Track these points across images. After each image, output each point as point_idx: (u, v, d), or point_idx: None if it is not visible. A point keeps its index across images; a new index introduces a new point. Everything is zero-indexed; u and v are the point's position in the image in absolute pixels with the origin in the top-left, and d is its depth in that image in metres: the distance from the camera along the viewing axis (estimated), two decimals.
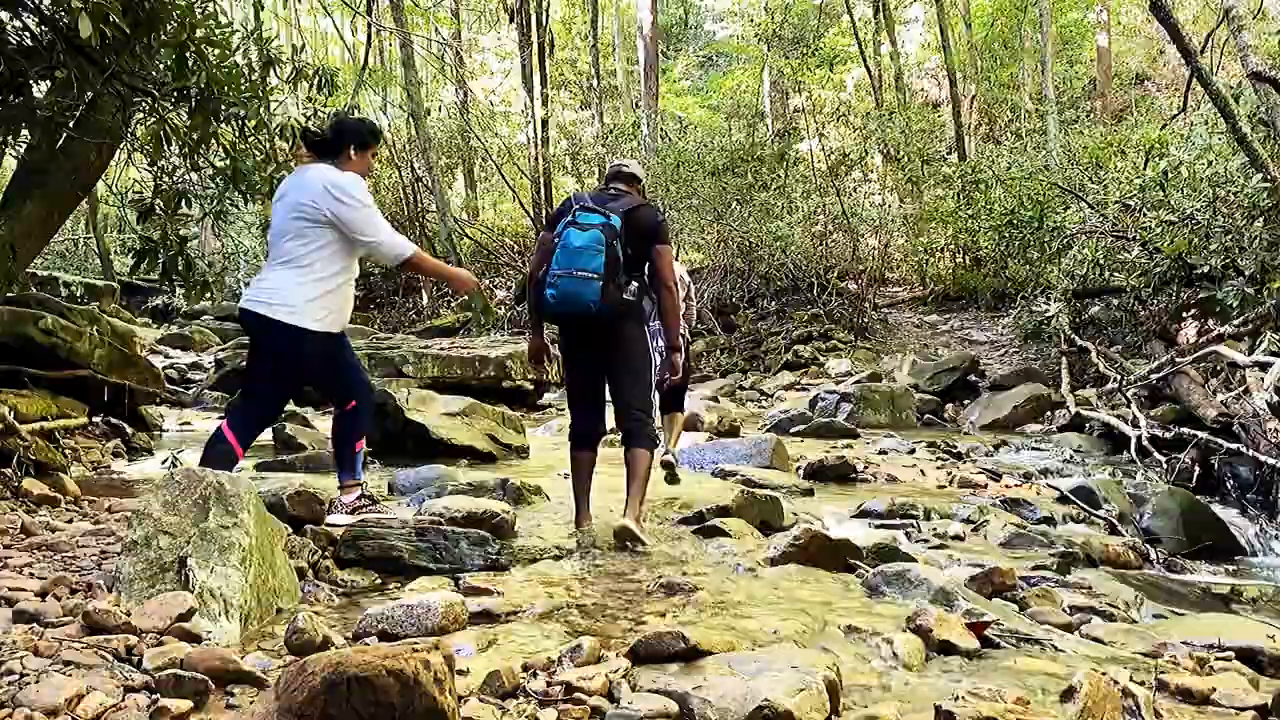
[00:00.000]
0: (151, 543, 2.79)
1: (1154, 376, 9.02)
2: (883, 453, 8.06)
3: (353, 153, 3.93)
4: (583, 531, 4.16)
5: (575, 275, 3.97)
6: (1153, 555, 4.95)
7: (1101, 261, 11.94)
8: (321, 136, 3.97)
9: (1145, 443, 7.65)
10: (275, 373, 3.88)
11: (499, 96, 26.65)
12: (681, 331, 4.77)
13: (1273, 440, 6.49)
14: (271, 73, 5.26)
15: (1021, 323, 13.63)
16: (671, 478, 5.36)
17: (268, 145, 5.28)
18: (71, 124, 4.39)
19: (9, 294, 5.68)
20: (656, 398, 4.55)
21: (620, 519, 4.06)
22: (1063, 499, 6.00)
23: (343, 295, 3.92)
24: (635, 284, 4.16)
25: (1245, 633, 3.21)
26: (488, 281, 20.31)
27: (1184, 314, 10.86)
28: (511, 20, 23.68)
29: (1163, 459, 7.26)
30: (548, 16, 23.12)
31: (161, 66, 4.47)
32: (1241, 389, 7.53)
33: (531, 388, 11.37)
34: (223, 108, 4.63)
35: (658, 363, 4.55)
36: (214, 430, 3.88)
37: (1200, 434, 7.20)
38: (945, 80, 22.12)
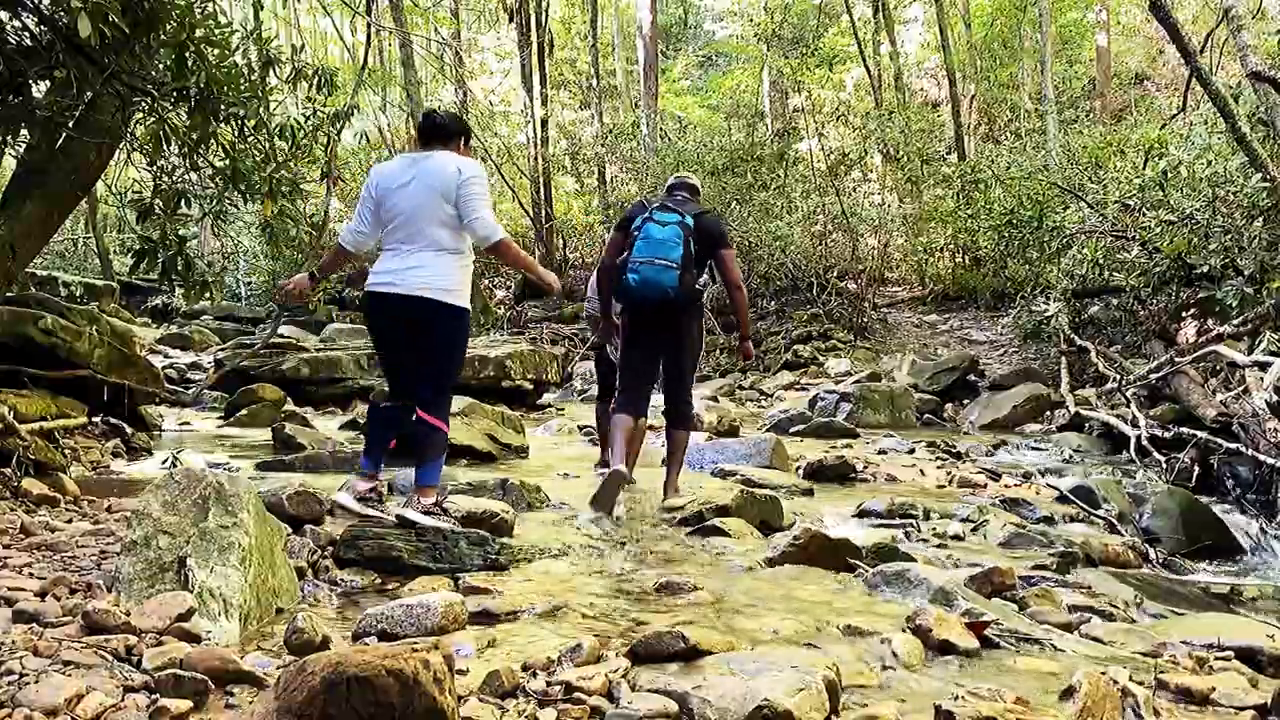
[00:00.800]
0: (151, 543, 2.79)
1: (1153, 376, 9.02)
2: (882, 452, 8.06)
3: (463, 144, 4.13)
4: (609, 472, 4.66)
5: (657, 263, 4.55)
6: (1152, 555, 4.95)
7: (1101, 261, 11.94)
8: (444, 122, 4.09)
9: (1145, 442, 7.65)
10: (431, 346, 3.95)
11: (498, 96, 26.64)
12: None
13: (1272, 440, 6.49)
14: (271, 72, 5.26)
15: (1021, 322, 13.63)
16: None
17: (267, 145, 5.28)
18: (71, 124, 4.39)
19: (9, 294, 5.68)
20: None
21: (669, 498, 4.83)
22: (1062, 499, 6.00)
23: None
24: (705, 277, 4.78)
25: (1245, 632, 3.21)
26: (487, 281, 20.31)
27: (1183, 314, 10.86)
28: (511, 20, 23.67)
29: (1162, 459, 7.26)
30: (547, 16, 23.12)
31: (161, 66, 4.47)
32: (1241, 389, 7.53)
33: (531, 388, 11.36)
34: (222, 107, 4.63)
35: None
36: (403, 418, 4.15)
37: (1200, 434, 7.19)
38: (945, 80, 22.13)
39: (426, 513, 3.82)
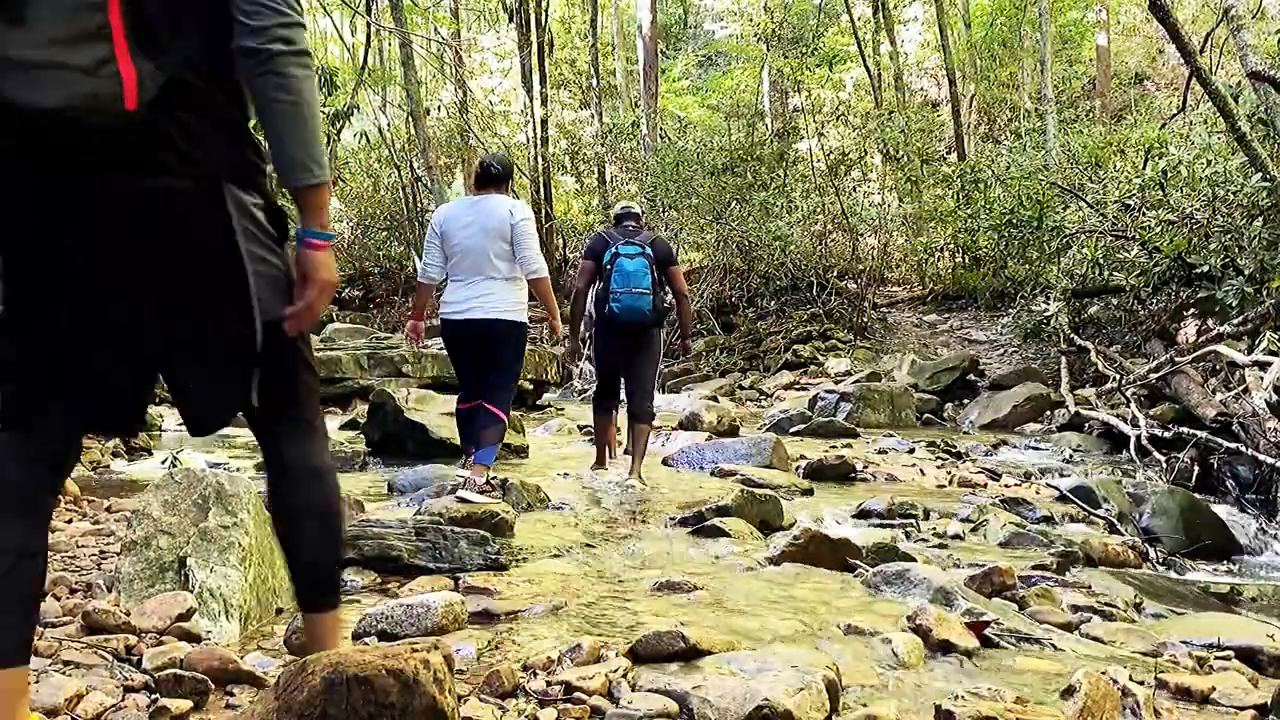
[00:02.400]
0: (151, 542, 2.79)
1: (1153, 376, 9.02)
2: (882, 452, 8.06)
3: (510, 186, 5.05)
4: (597, 473, 5.83)
5: (634, 292, 5.43)
6: (1152, 554, 4.95)
7: (1101, 261, 11.94)
8: (498, 171, 4.92)
9: (1144, 442, 7.64)
10: (504, 355, 4.86)
11: (498, 96, 26.64)
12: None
13: (1272, 439, 6.50)
14: None
15: (1021, 322, 13.63)
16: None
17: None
18: None
19: None
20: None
21: (630, 479, 5.53)
22: (1062, 498, 6.00)
23: None
24: (669, 295, 5.70)
25: (1245, 632, 3.21)
26: None
27: (1183, 313, 10.86)
28: (511, 20, 23.67)
29: (1162, 458, 7.26)
30: (547, 16, 23.12)
31: None
32: (1241, 388, 7.53)
33: (531, 388, 11.37)
34: None
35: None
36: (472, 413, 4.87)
37: (1200, 433, 7.20)
38: (944, 80, 22.13)
39: (481, 491, 4.41)
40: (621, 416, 6.27)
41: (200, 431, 1.79)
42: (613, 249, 5.52)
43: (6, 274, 1.53)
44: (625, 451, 6.31)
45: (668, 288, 5.72)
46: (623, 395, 5.95)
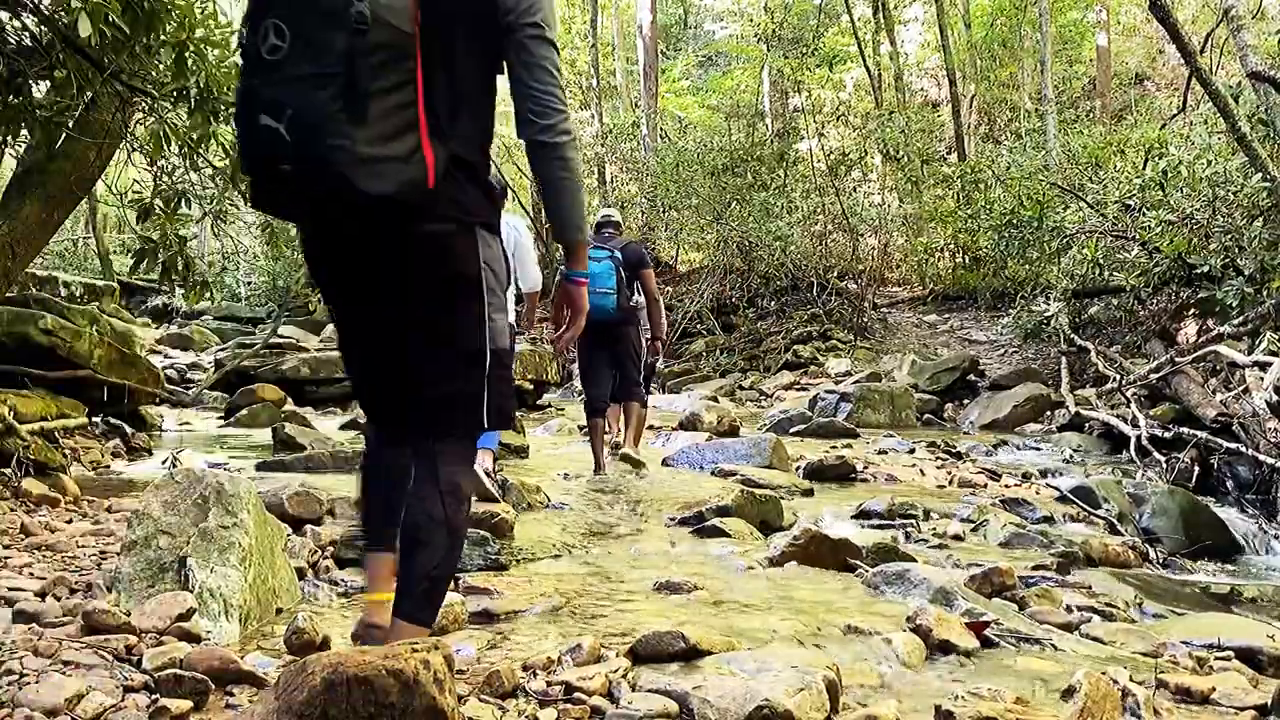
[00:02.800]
0: (151, 543, 2.79)
1: (1153, 376, 9.02)
2: (882, 452, 8.06)
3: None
4: (599, 478, 5.94)
5: (597, 291, 5.75)
6: (1152, 555, 4.95)
7: (1101, 261, 11.93)
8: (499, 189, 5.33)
9: (1145, 442, 7.64)
10: None
11: (498, 96, 26.61)
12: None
13: (1272, 440, 6.50)
14: None
15: (1021, 322, 13.63)
16: (633, 462, 6.14)
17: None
18: (71, 124, 4.39)
19: (9, 294, 5.68)
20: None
21: (624, 449, 6.16)
22: (1062, 499, 6.00)
23: None
24: (638, 296, 6.26)
25: (1245, 632, 3.21)
26: None
27: (1183, 314, 10.85)
28: None
29: (1162, 459, 7.26)
30: None
31: (161, 66, 4.47)
32: (1241, 389, 7.53)
33: (531, 388, 11.37)
34: (222, 107, 4.62)
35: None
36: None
37: (1200, 434, 7.19)
38: (945, 80, 22.12)
39: (486, 473, 4.53)
40: (620, 416, 6.73)
41: (421, 447, 2.11)
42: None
43: (334, 312, 2.15)
44: (615, 446, 6.63)
45: (640, 288, 6.33)
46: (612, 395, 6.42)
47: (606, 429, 6.47)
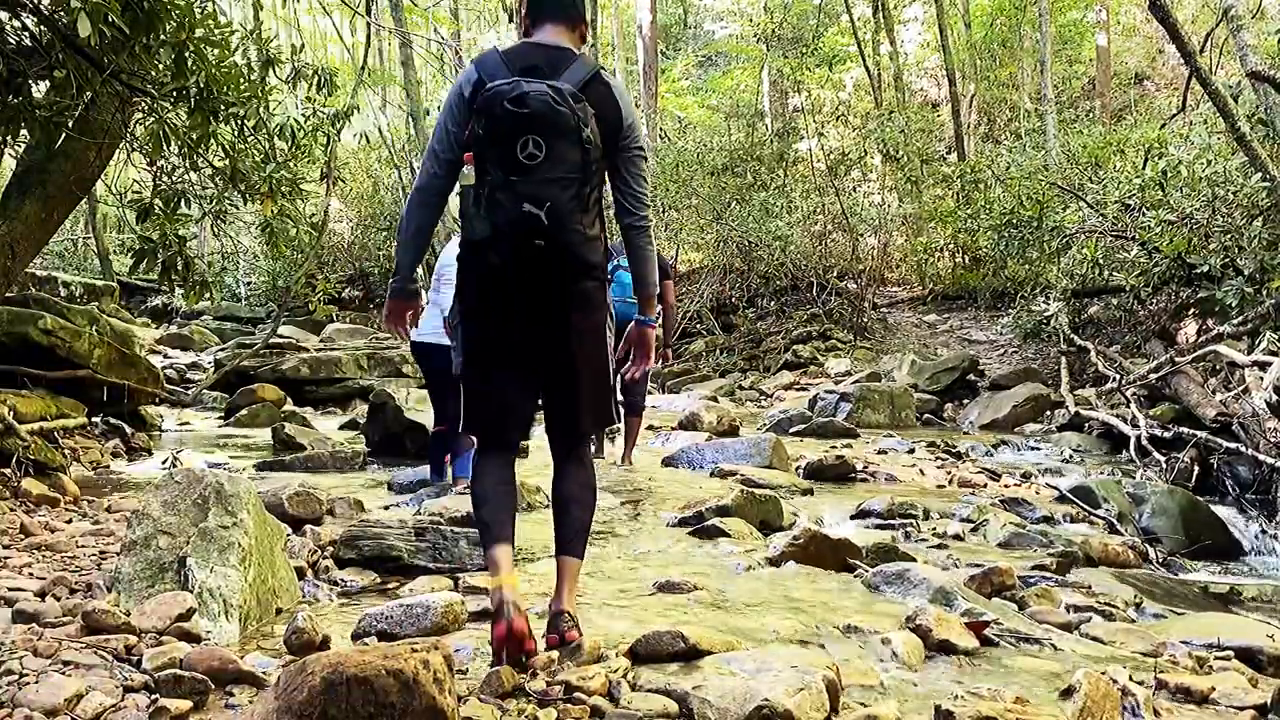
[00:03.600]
0: (151, 543, 2.79)
1: (1153, 376, 9.02)
2: (882, 452, 8.06)
3: None
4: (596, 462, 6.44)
5: (628, 301, 5.85)
6: (1152, 555, 4.95)
7: (1101, 261, 11.93)
8: None
9: (1144, 442, 7.64)
10: None
11: None
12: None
13: (1272, 440, 6.49)
14: (271, 72, 5.27)
15: (1021, 322, 13.63)
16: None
17: (267, 145, 5.28)
18: (71, 124, 4.38)
19: (8, 294, 5.68)
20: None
21: (620, 463, 6.52)
22: (1062, 498, 6.00)
23: None
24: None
25: (1244, 632, 3.21)
26: None
27: (1183, 313, 10.85)
28: (510, 20, 23.67)
29: (1162, 458, 7.26)
30: None
31: (160, 66, 4.47)
32: (1241, 388, 7.53)
33: None
34: (222, 107, 4.63)
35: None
36: None
37: (1199, 433, 7.19)
38: (944, 80, 22.12)
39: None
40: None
41: (579, 430, 2.89)
42: (614, 263, 5.45)
43: (488, 351, 2.74)
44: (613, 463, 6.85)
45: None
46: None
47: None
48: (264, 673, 2.29)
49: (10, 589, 2.88)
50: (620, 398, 6.29)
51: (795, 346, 16.02)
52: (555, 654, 2.47)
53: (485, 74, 2.57)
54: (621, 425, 6.66)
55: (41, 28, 4.31)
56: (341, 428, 8.72)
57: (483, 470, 2.84)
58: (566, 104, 2.49)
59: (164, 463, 6.14)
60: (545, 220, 2.47)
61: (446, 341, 4.13)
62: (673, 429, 9.19)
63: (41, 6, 4.23)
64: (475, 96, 2.55)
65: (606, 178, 2.70)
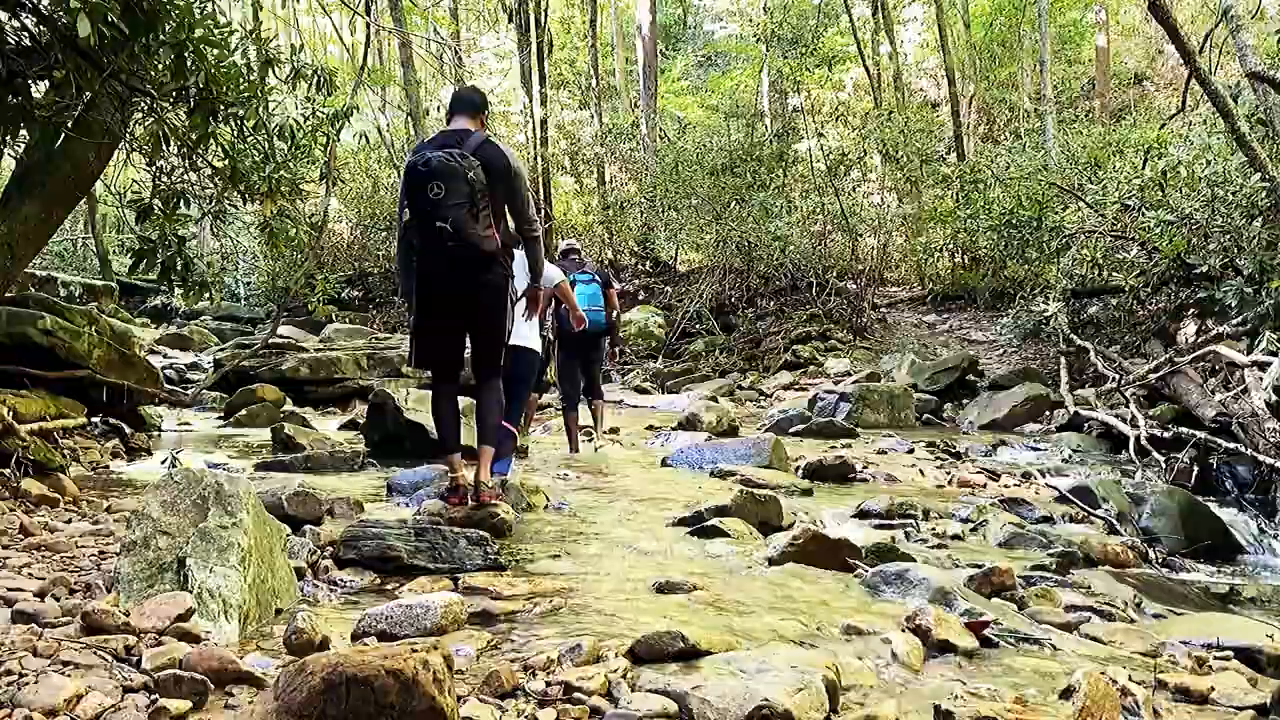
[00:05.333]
0: (150, 543, 2.79)
1: (1152, 376, 9.03)
2: (881, 452, 8.06)
3: None
4: (572, 458, 7.19)
5: (591, 310, 7.17)
6: (1151, 555, 4.95)
7: (1100, 261, 11.93)
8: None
9: (1144, 442, 7.64)
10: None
11: (498, 96, 26.63)
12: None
13: (1271, 440, 6.50)
14: (270, 72, 5.27)
15: (1020, 322, 13.63)
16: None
17: (266, 145, 5.28)
18: (70, 124, 4.39)
19: (8, 294, 5.68)
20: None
21: (597, 440, 7.85)
22: (1061, 499, 6.00)
23: None
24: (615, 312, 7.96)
25: (1244, 632, 3.22)
26: None
27: (1183, 313, 10.85)
28: (510, 20, 23.67)
29: (1161, 458, 7.26)
30: (546, 16, 23.11)
31: (160, 66, 4.47)
32: (1240, 388, 7.54)
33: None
34: (221, 107, 4.63)
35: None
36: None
37: (1199, 433, 7.20)
38: (944, 80, 22.12)
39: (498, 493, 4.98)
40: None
41: (484, 365, 4.39)
42: (569, 277, 6.92)
43: (426, 317, 4.26)
44: (584, 433, 7.95)
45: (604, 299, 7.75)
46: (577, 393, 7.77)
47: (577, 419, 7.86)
48: (263, 673, 2.29)
49: (10, 589, 2.88)
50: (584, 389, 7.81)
51: (795, 346, 16.02)
52: (555, 654, 2.47)
53: (415, 153, 4.11)
54: (594, 426, 7.99)
55: (41, 28, 4.31)
56: (341, 428, 8.72)
57: (437, 397, 4.41)
58: (456, 161, 3.96)
59: (163, 463, 6.14)
60: (450, 229, 3.94)
61: (518, 343, 5.28)
62: (672, 429, 9.19)
63: (41, 6, 4.23)
64: (408, 168, 4.07)
65: (497, 201, 4.12)
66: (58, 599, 2.83)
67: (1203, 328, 10.14)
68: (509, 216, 4.22)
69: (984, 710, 2.10)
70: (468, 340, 4.32)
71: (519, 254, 4.59)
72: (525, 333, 5.56)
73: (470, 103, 4.34)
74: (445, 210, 3.91)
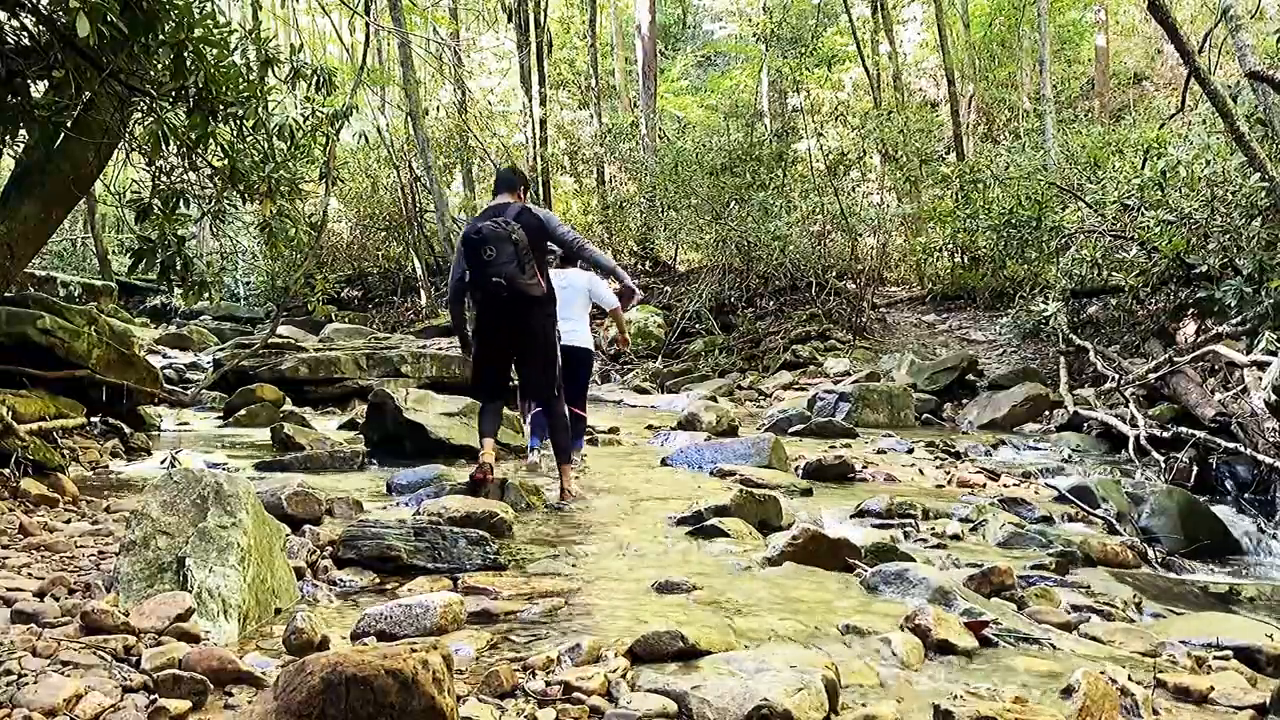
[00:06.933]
0: (150, 543, 2.79)
1: (1152, 376, 9.02)
2: (881, 452, 8.06)
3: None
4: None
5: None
6: (1151, 554, 4.95)
7: (1100, 261, 11.92)
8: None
9: (1143, 442, 7.64)
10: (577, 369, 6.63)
11: (497, 96, 26.64)
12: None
13: (1270, 439, 6.50)
14: (269, 72, 5.27)
15: (1020, 322, 13.62)
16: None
17: (266, 145, 5.28)
18: (69, 124, 4.38)
19: (7, 294, 5.68)
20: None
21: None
22: (1061, 498, 6.00)
23: None
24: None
25: (1243, 632, 3.22)
26: None
27: (1182, 313, 10.85)
28: (509, 20, 23.67)
29: (1161, 458, 7.26)
30: (546, 16, 23.11)
31: (159, 66, 4.47)
32: (1239, 388, 7.54)
33: None
34: (220, 107, 4.63)
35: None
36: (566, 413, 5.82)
37: (1198, 433, 7.19)
38: (943, 80, 22.12)
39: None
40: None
41: (533, 396, 5.79)
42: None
43: (485, 348, 5.28)
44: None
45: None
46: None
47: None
48: (263, 673, 2.29)
49: (9, 589, 2.88)
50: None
51: (794, 346, 16.00)
52: (554, 654, 2.47)
53: (469, 225, 5.05)
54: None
55: (40, 27, 4.31)
56: (340, 428, 8.71)
57: (484, 409, 5.31)
58: (502, 228, 4.84)
59: (163, 463, 6.14)
60: (504, 281, 4.82)
61: (572, 343, 6.15)
62: (672, 429, 9.19)
63: (41, 6, 4.22)
64: (464, 237, 5.01)
65: (539, 254, 5.03)
66: (57, 599, 2.83)
67: (1202, 327, 10.14)
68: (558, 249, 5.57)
69: (983, 710, 2.10)
70: (513, 367, 5.37)
71: (582, 274, 6.35)
72: (581, 332, 6.65)
73: (509, 181, 5.36)
74: (498, 268, 4.80)
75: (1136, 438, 7.74)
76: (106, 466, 6.06)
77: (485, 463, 4.92)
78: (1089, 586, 3.93)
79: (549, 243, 5.26)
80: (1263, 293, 8.68)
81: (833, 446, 8.16)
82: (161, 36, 4.19)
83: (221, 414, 9.43)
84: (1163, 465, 7.16)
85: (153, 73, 4.49)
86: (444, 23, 24.22)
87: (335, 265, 21.97)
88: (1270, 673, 2.84)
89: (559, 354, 5.35)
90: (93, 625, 2.49)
